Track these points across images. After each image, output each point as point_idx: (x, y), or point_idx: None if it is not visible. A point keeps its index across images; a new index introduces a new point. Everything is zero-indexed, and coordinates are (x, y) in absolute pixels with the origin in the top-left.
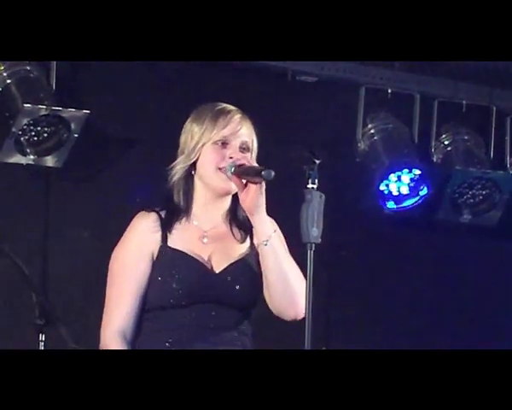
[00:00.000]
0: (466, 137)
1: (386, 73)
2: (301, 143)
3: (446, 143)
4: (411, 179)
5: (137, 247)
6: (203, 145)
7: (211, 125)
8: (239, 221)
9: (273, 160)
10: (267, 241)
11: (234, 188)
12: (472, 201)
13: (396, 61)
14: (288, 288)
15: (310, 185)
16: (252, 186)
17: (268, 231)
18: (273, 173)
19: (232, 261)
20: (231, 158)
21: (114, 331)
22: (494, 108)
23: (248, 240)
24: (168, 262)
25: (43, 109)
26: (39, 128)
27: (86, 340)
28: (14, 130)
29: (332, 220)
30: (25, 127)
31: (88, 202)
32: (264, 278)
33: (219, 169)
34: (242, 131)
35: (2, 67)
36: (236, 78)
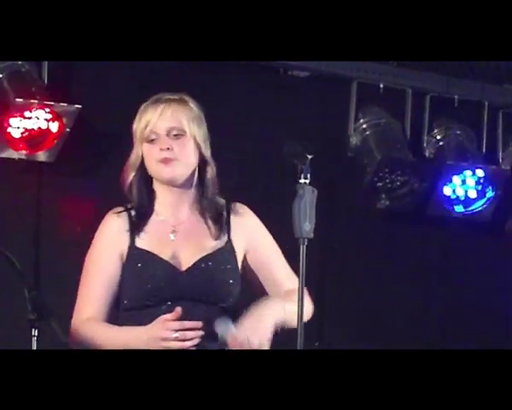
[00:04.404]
0: (458, 132)
1: (378, 68)
2: (293, 137)
3: (438, 137)
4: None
5: (107, 247)
6: (141, 144)
7: (140, 122)
8: (211, 215)
9: (265, 154)
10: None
11: (183, 177)
12: (464, 196)
13: (389, 60)
14: None
15: (302, 180)
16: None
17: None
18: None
19: (201, 256)
20: (161, 149)
21: (83, 319)
22: (486, 103)
23: (225, 235)
24: (135, 263)
25: (35, 104)
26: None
27: None
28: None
29: (324, 215)
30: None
31: (80, 196)
32: None
33: (159, 162)
34: (167, 118)
35: None
36: (228, 72)
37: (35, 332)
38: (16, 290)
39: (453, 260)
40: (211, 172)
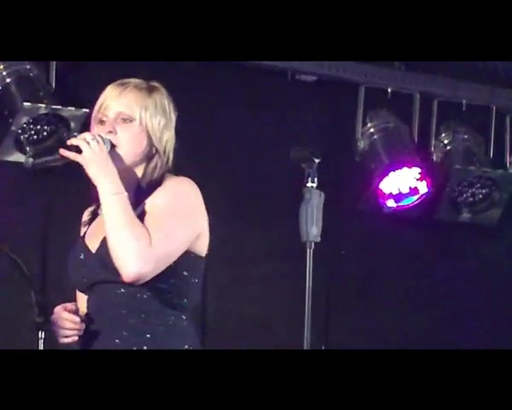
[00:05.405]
0: (466, 137)
1: (385, 73)
2: (301, 142)
3: (446, 142)
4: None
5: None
6: (95, 124)
7: (97, 102)
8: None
9: (273, 158)
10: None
11: (123, 166)
12: (471, 199)
13: (396, 61)
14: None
15: (309, 184)
16: None
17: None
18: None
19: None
20: (105, 133)
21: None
22: (494, 108)
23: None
24: (74, 252)
25: (42, 108)
26: (39, 127)
27: None
28: (13, 128)
29: (331, 219)
30: (24, 126)
31: (87, 200)
32: None
33: None
34: (118, 101)
35: (2, 66)
36: (236, 77)
37: (42, 335)
38: (23, 294)
39: (460, 263)
40: (156, 164)
